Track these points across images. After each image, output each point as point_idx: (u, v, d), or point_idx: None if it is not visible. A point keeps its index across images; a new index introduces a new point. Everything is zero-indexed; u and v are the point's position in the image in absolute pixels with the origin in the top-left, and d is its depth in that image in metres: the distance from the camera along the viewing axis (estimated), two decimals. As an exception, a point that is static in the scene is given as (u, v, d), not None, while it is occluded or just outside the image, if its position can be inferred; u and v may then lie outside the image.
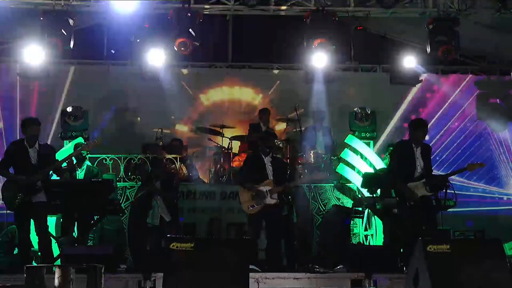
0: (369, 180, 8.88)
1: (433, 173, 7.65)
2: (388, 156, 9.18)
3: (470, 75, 12.23)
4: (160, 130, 10.12)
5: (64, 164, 7.85)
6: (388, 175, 8.24)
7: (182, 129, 11.68)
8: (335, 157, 9.84)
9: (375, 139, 10.38)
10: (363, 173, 9.38)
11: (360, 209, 9.19)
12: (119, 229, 8.93)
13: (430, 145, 7.96)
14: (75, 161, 8.57)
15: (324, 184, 9.39)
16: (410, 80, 11.18)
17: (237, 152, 10.04)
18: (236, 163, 9.63)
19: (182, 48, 9.75)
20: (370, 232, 9.47)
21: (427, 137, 7.85)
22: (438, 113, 11.87)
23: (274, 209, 7.65)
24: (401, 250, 7.47)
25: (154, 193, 8.30)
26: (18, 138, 8.74)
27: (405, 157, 7.44)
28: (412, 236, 7.17)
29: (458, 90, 12.05)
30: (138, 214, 8.71)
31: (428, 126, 7.73)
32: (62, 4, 9.48)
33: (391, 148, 8.85)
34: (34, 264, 7.43)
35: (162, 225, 8.22)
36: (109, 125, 11.53)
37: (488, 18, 10.01)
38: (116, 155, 9.76)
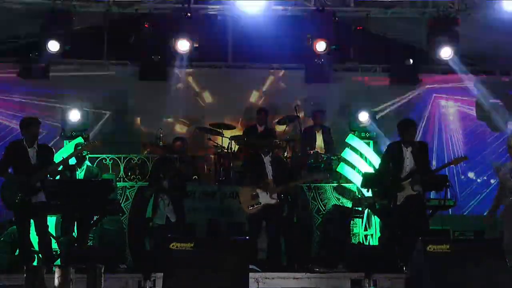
0: (369, 180, 8.88)
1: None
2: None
3: (470, 75, 12.20)
4: (160, 130, 10.12)
5: (61, 167, 7.83)
6: (376, 177, 8.30)
7: (182, 129, 11.65)
8: (335, 157, 9.84)
9: (374, 139, 10.38)
10: (363, 172, 9.39)
11: (360, 209, 9.19)
12: (119, 229, 8.91)
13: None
14: (74, 161, 8.55)
15: (324, 184, 9.40)
16: (410, 80, 11.20)
17: (237, 152, 10.03)
18: (236, 163, 9.62)
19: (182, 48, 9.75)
20: (370, 232, 9.48)
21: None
22: (438, 113, 11.84)
23: (274, 209, 7.65)
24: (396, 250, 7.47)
25: (161, 192, 8.19)
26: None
27: (393, 158, 7.46)
28: (400, 236, 7.25)
29: (458, 90, 12.03)
30: (138, 214, 8.68)
31: (428, 126, 7.73)
32: (62, 4, 9.49)
33: None
34: (34, 264, 7.43)
35: (167, 225, 8.13)
36: (109, 125, 11.51)
37: (488, 18, 10.01)
38: (116, 155, 9.76)
